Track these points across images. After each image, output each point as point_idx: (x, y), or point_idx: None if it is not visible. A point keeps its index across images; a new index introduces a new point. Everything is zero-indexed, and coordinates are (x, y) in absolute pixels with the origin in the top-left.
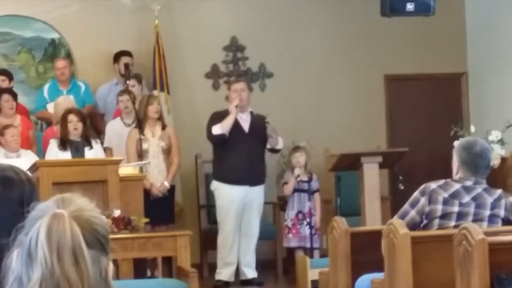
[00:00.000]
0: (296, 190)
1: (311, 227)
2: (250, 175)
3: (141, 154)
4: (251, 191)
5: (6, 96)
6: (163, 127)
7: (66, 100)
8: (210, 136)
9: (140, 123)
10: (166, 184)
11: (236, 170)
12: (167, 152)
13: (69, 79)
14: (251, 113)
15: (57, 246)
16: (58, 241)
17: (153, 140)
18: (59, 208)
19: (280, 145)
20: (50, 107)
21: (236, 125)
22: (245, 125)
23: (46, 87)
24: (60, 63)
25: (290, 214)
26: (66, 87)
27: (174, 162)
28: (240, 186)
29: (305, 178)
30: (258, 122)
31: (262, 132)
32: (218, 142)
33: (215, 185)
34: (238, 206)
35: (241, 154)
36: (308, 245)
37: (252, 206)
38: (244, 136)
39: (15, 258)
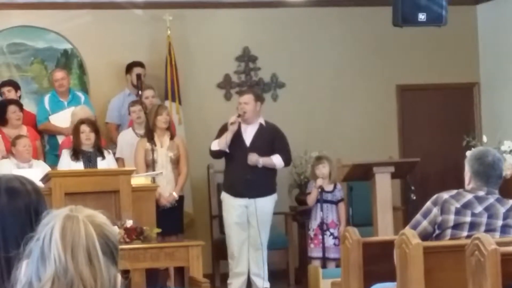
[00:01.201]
0: (319, 201)
1: (334, 238)
2: (247, 188)
3: (150, 165)
4: (254, 203)
5: (12, 107)
6: (172, 137)
7: (82, 110)
8: (209, 150)
9: (149, 133)
10: (175, 195)
11: (235, 183)
12: (175, 162)
13: (67, 90)
14: (261, 125)
15: (71, 245)
16: (72, 239)
17: (162, 150)
18: (72, 212)
19: (277, 165)
20: (53, 119)
21: (238, 138)
22: (248, 138)
23: (46, 99)
24: (59, 74)
25: (313, 224)
26: (66, 98)
27: (183, 173)
28: (239, 199)
29: (330, 188)
30: (265, 135)
31: (268, 145)
32: (217, 157)
33: (222, 196)
34: (240, 218)
35: (240, 168)
36: (329, 255)
37: (257, 218)
38: (244, 150)
39: (24, 268)
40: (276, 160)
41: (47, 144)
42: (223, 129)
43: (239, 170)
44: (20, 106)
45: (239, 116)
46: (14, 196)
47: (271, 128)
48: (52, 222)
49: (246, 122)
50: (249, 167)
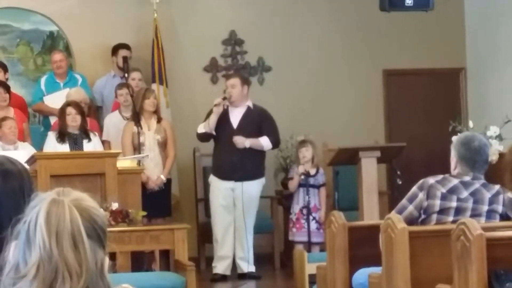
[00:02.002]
0: (301, 185)
1: (316, 222)
2: (234, 171)
3: (137, 148)
4: (240, 187)
5: None
6: (159, 120)
7: (77, 92)
8: (196, 134)
9: (136, 116)
10: (162, 178)
11: (221, 166)
12: (162, 145)
13: (66, 72)
14: (248, 107)
15: (56, 230)
16: (57, 224)
17: (149, 134)
18: (59, 196)
19: (265, 147)
20: (48, 100)
21: (226, 120)
22: (235, 120)
23: (43, 80)
24: (57, 56)
25: (295, 208)
26: (63, 79)
27: (170, 156)
28: (226, 182)
29: (313, 172)
30: (253, 117)
31: (255, 128)
32: (204, 140)
33: (210, 179)
34: (226, 201)
35: (227, 150)
36: (312, 239)
37: (242, 201)
38: (232, 132)
39: (12, 249)
40: (264, 141)
41: (42, 125)
42: (210, 113)
43: (226, 152)
44: (7, 88)
45: (224, 98)
46: (8, 177)
47: (259, 110)
48: (38, 206)
49: (233, 105)
50: (237, 150)
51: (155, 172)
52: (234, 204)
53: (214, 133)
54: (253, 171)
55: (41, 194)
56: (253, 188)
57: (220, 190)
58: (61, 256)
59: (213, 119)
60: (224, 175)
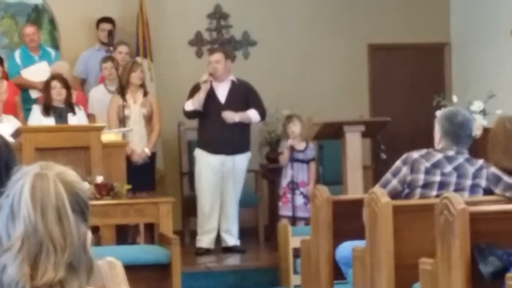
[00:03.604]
0: (290, 160)
1: (304, 197)
2: (225, 144)
3: (122, 121)
4: (229, 160)
5: None
6: (145, 94)
7: (60, 66)
8: (183, 111)
9: (122, 90)
10: (147, 151)
11: (211, 140)
12: (148, 119)
13: (38, 45)
14: (232, 82)
15: (41, 203)
16: (42, 198)
17: (135, 107)
18: (43, 170)
19: (254, 119)
20: (25, 73)
21: (212, 96)
22: (221, 95)
23: (17, 54)
24: (29, 29)
25: (283, 182)
26: (37, 53)
27: (155, 129)
28: (216, 155)
29: (301, 147)
30: (238, 91)
31: (242, 101)
32: (192, 117)
33: (196, 153)
34: (215, 175)
35: (216, 125)
36: (298, 214)
37: (231, 175)
38: (220, 107)
39: None
40: (252, 114)
41: (21, 98)
42: (195, 89)
43: (215, 127)
44: (0, 61)
45: (210, 74)
46: None
47: (243, 84)
48: (22, 180)
49: (218, 80)
50: (226, 124)
51: (139, 146)
52: (223, 178)
53: (202, 110)
54: (242, 144)
55: (24, 167)
56: (242, 161)
57: (210, 164)
58: (45, 230)
59: (202, 95)
60: (214, 149)
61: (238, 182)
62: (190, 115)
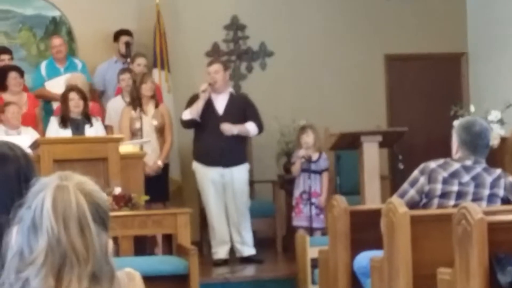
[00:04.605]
0: (303, 170)
1: (316, 207)
2: (222, 157)
3: (135, 133)
4: (227, 173)
5: (13, 74)
6: (156, 105)
7: (75, 77)
8: (180, 120)
9: (134, 101)
10: (159, 163)
11: (208, 152)
12: (160, 130)
13: (65, 57)
14: (231, 94)
15: (63, 216)
16: (64, 210)
17: (146, 119)
18: (62, 181)
19: (252, 132)
20: (49, 85)
21: (211, 107)
22: (220, 107)
23: (43, 65)
24: (56, 41)
25: (295, 193)
26: (63, 65)
27: (167, 141)
28: (214, 168)
29: (315, 157)
30: (236, 103)
31: (240, 114)
32: (188, 126)
33: (194, 166)
34: (216, 187)
35: (213, 136)
36: (312, 224)
37: (233, 186)
38: (217, 119)
39: (15, 236)
40: (250, 127)
41: (43, 110)
42: (193, 99)
43: (213, 139)
44: (21, 73)
45: (210, 84)
46: (3, 161)
47: (241, 97)
48: (43, 192)
49: (217, 92)
50: (223, 136)
51: (152, 158)
52: (225, 190)
53: (199, 120)
54: (239, 156)
55: (43, 179)
56: (241, 173)
57: (208, 176)
58: (68, 242)
59: (200, 104)
60: (211, 162)
61: (241, 194)
62: (187, 124)
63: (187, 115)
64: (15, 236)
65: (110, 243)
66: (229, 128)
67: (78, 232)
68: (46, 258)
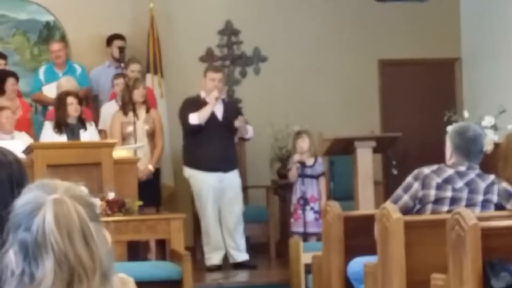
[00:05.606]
0: (300, 175)
1: (315, 212)
2: (224, 161)
3: (126, 137)
4: (226, 177)
5: (12, 80)
6: (147, 110)
7: (69, 82)
8: (186, 124)
9: (125, 106)
10: (150, 168)
11: (210, 158)
12: (151, 135)
13: (64, 61)
14: (223, 100)
15: (67, 230)
16: (67, 224)
17: (138, 124)
18: (50, 194)
19: (249, 134)
20: (46, 90)
21: (212, 113)
22: (218, 112)
23: (42, 70)
24: (55, 45)
25: (293, 199)
26: (62, 69)
27: (158, 146)
28: (214, 173)
29: (310, 162)
30: (230, 109)
31: (234, 118)
32: (195, 131)
33: (189, 173)
34: (215, 192)
35: (214, 142)
36: (309, 230)
37: (230, 191)
38: (218, 124)
39: (14, 258)
40: (250, 128)
41: (41, 115)
42: (190, 104)
43: (213, 144)
44: (17, 79)
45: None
46: None
47: (232, 102)
48: (41, 210)
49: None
50: (222, 142)
51: (143, 162)
52: (222, 195)
53: (203, 124)
54: (235, 161)
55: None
56: (235, 178)
57: (207, 182)
58: (75, 256)
59: (209, 111)
60: (212, 167)
61: (237, 198)
62: (194, 128)
63: (195, 119)
64: (14, 260)
65: (107, 234)
66: (242, 122)
67: (83, 244)
68: (55, 277)
